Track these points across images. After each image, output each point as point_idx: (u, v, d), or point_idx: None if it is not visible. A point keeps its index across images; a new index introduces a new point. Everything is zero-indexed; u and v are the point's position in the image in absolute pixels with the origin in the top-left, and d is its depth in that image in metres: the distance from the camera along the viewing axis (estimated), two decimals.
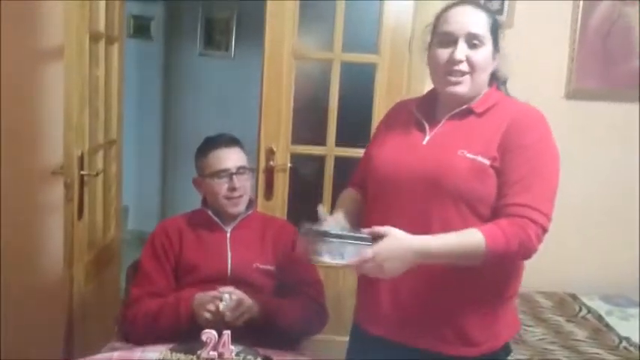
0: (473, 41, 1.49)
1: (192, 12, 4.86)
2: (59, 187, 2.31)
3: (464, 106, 1.53)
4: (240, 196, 1.95)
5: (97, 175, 2.48)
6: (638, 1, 2.78)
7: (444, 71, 1.51)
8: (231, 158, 1.96)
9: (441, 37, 1.53)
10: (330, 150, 2.78)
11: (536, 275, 2.48)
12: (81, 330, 2.34)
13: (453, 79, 1.50)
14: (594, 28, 2.79)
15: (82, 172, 2.27)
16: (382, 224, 1.47)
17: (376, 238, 1.39)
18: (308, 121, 2.87)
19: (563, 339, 2.35)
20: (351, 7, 2.72)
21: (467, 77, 1.50)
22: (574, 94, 2.82)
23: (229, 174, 1.93)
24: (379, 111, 2.72)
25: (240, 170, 1.95)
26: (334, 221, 1.55)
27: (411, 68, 2.68)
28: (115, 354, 1.62)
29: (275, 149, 2.74)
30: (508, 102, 1.57)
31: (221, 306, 1.69)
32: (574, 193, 2.75)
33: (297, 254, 1.55)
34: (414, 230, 1.45)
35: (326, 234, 1.39)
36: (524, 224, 1.39)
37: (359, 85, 2.83)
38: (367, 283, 1.60)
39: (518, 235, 1.38)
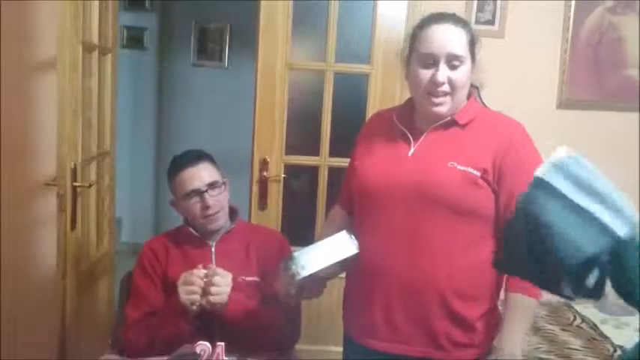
0: (453, 62, 1.50)
1: (185, 22, 4.88)
2: (52, 199, 2.30)
3: (447, 118, 1.55)
4: (217, 212, 1.90)
5: (90, 186, 2.47)
6: (627, 12, 2.80)
7: (426, 91, 1.52)
8: (198, 176, 1.89)
9: (422, 57, 1.53)
10: (324, 160, 2.78)
11: None
12: (74, 342, 2.32)
13: (435, 100, 1.52)
14: (585, 38, 2.81)
15: (74, 184, 2.26)
16: (371, 237, 1.54)
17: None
18: (301, 132, 2.87)
19: (558, 348, 2.35)
20: (344, 17, 2.73)
21: (448, 97, 1.52)
22: (566, 104, 2.83)
23: (200, 193, 1.88)
24: None
25: (211, 186, 1.89)
26: None
27: (403, 78, 2.68)
28: None
29: (269, 160, 2.74)
30: (488, 114, 1.61)
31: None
32: None
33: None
34: (403, 242, 1.49)
35: (290, 256, 1.52)
36: None
37: (352, 96, 2.84)
38: (359, 298, 1.62)
39: None
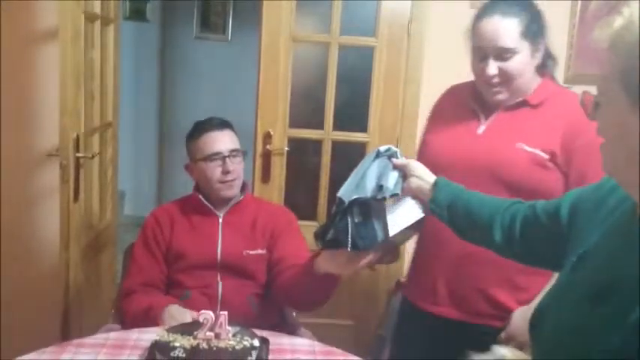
0: (504, 55, 1.52)
1: None
2: (55, 170, 2.30)
3: (519, 99, 1.57)
4: (234, 180, 1.92)
5: (93, 157, 2.46)
6: None
7: (483, 82, 1.58)
8: (223, 141, 1.91)
9: (475, 50, 1.58)
10: (328, 134, 2.76)
11: None
12: (77, 311, 2.34)
13: (492, 90, 1.57)
14: (593, 12, 2.77)
15: (77, 155, 2.26)
16: None
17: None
18: (305, 105, 2.85)
19: None
20: None
21: (503, 87, 1.56)
22: (573, 79, 2.80)
23: (222, 157, 1.89)
24: (377, 95, 2.71)
25: (232, 153, 1.91)
26: None
27: (409, 52, 2.66)
28: (112, 334, 1.61)
29: (272, 133, 2.72)
30: (561, 94, 1.59)
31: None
32: None
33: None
34: None
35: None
36: None
37: (357, 69, 2.81)
38: (423, 264, 1.70)
39: None
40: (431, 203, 1.38)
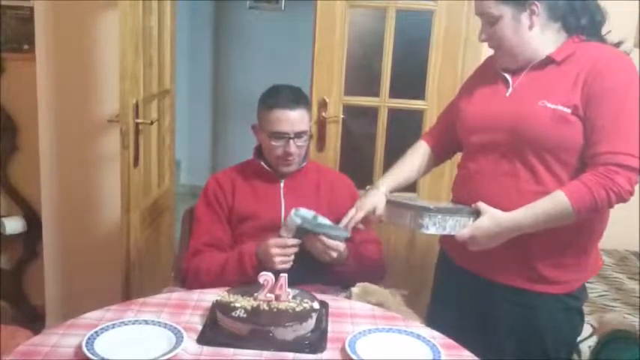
0: (490, 20, 1.59)
1: None
2: (115, 136, 2.34)
3: (544, 56, 1.58)
4: (294, 158, 1.90)
5: (152, 123, 2.48)
6: None
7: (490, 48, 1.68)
8: (291, 122, 1.86)
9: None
10: (384, 101, 2.71)
11: None
12: (138, 274, 2.40)
13: (495, 55, 1.67)
14: None
15: (137, 120, 2.28)
16: (476, 175, 1.65)
17: (474, 212, 1.58)
18: (361, 72, 2.80)
19: (624, 296, 2.28)
20: None
21: (500, 51, 1.62)
22: None
23: (287, 139, 1.87)
24: (436, 61, 2.63)
25: (298, 135, 1.87)
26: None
27: (470, 15, 2.56)
28: (174, 294, 1.64)
29: (327, 100, 2.69)
30: (589, 47, 1.57)
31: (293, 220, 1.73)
32: None
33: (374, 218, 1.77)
34: (503, 180, 1.58)
35: (430, 209, 1.58)
36: (608, 172, 1.44)
37: (414, 34, 2.73)
38: None
39: (602, 184, 1.44)
40: None
